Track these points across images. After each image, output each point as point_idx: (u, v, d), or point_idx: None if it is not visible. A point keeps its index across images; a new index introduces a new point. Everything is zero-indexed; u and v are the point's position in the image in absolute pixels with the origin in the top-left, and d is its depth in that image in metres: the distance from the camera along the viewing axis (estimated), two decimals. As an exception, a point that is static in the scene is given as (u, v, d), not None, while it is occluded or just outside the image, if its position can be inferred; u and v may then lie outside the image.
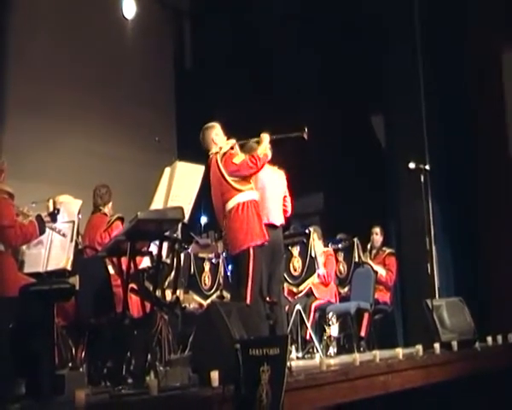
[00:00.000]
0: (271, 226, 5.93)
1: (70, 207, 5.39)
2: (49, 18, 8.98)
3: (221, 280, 7.73)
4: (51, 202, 5.22)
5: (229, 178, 5.56)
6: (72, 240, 5.21)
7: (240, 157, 5.64)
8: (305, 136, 6.04)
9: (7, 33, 8.51)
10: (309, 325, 7.27)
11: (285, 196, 6.26)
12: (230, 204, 5.56)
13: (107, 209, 6.16)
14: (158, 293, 5.01)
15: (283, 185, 6.27)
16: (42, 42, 8.87)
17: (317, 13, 9.67)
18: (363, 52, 9.43)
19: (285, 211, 6.23)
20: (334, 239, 8.32)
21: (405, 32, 9.31)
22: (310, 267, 7.39)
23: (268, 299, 5.72)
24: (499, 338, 7.15)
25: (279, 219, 6.09)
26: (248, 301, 5.37)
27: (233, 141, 5.77)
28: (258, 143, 5.81)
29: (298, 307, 7.22)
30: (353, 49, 9.44)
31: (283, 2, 9.87)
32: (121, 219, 5.81)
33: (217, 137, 5.74)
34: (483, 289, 8.47)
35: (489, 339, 7.10)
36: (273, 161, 6.15)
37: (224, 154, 5.64)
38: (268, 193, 6.05)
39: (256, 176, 5.83)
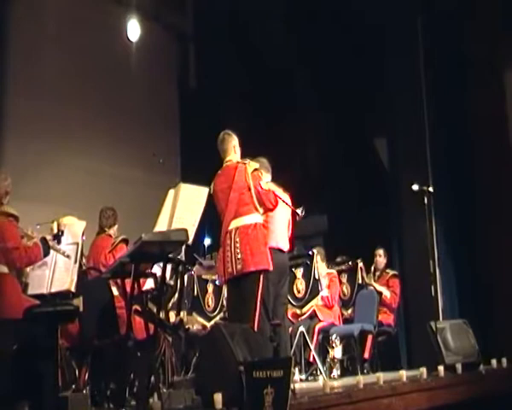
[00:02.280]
0: (280, 250, 5.93)
1: (74, 228, 5.40)
2: (55, 39, 9.05)
3: (224, 302, 7.71)
4: (55, 223, 5.23)
5: (254, 194, 5.47)
6: (76, 261, 5.21)
7: (266, 184, 5.58)
8: (300, 213, 5.89)
9: (12, 54, 8.57)
10: (312, 347, 7.26)
11: (289, 222, 6.23)
12: (248, 220, 5.42)
13: (113, 231, 6.20)
14: (161, 315, 5.00)
15: (289, 210, 6.22)
16: (47, 63, 8.93)
17: (321, 35, 9.72)
18: (366, 75, 9.47)
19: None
20: (335, 262, 8.33)
21: (409, 56, 9.35)
22: (313, 289, 7.40)
23: (272, 321, 5.70)
24: (504, 361, 7.10)
25: (286, 245, 6.08)
26: (256, 324, 5.31)
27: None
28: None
29: (301, 329, 7.22)
30: (356, 72, 9.48)
31: (285, 23, 9.94)
32: (125, 241, 5.83)
33: (236, 148, 5.69)
34: (487, 312, 8.43)
35: (493, 362, 7.03)
36: (279, 184, 6.16)
37: (255, 170, 5.56)
38: (277, 217, 6.00)
39: None
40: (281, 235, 6.00)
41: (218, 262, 5.64)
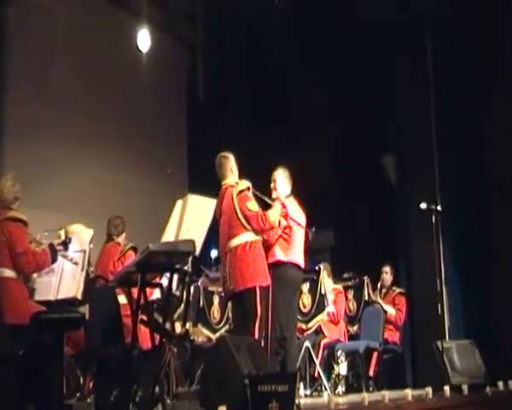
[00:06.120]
0: (297, 266, 5.97)
1: (81, 236, 5.39)
2: (64, 48, 9.07)
3: (230, 314, 7.68)
4: (63, 231, 5.22)
5: (240, 215, 5.56)
6: (83, 269, 5.20)
7: (254, 205, 5.65)
8: (310, 236, 6.01)
9: (22, 63, 8.59)
10: (317, 362, 7.23)
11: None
12: (237, 241, 5.56)
13: (121, 239, 6.22)
14: (167, 325, 4.98)
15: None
16: (56, 72, 8.95)
17: (331, 51, 9.74)
18: (375, 92, 9.47)
19: None
20: (341, 278, 8.31)
21: (418, 73, 9.35)
22: (319, 304, 7.37)
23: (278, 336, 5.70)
24: (510, 383, 7.00)
25: (303, 262, 6.10)
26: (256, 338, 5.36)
27: (249, 183, 5.75)
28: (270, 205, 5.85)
29: (307, 343, 7.19)
30: (366, 89, 9.48)
31: (296, 36, 9.94)
32: (134, 248, 5.84)
33: (233, 169, 5.78)
34: (494, 332, 8.36)
35: (500, 384, 6.93)
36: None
37: (241, 191, 5.64)
38: (298, 233, 6.04)
39: (290, 215, 5.90)
40: (299, 252, 6.03)
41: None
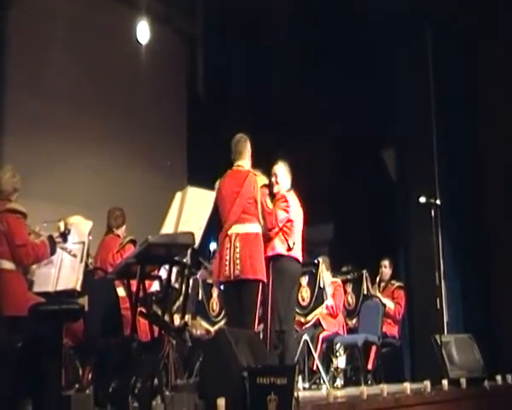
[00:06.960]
0: (296, 260, 5.97)
1: (80, 228, 5.37)
2: (64, 41, 9.06)
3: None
4: (62, 222, 5.21)
5: (260, 208, 5.58)
6: (82, 261, 5.19)
7: (270, 204, 5.74)
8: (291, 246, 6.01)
9: (22, 57, 8.58)
10: (316, 355, 7.23)
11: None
12: (249, 228, 5.55)
13: (121, 232, 6.23)
14: (166, 317, 4.98)
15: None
16: (56, 65, 8.94)
17: (331, 45, 9.72)
18: (376, 86, 9.45)
19: None
20: (340, 271, 8.31)
21: (418, 68, 9.34)
22: (318, 298, 7.38)
23: (277, 328, 5.71)
24: (509, 377, 7.02)
25: (301, 256, 6.11)
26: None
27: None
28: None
29: (305, 337, 7.19)
30: (365, 83, 9.47)
31: (296, 29, 9.92)
32: (133, 241, 5.83)
33: (249, 154, 5.77)
34: (493, 327, 8.38)
35: (498, 378, 6.96)
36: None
37: (264, 185, 5.67)
38: (298, 227, 6.04)
39: (290, 209, 5.90)
40: (299, 246, 6.03)
41: (215, 262, 5.76)
